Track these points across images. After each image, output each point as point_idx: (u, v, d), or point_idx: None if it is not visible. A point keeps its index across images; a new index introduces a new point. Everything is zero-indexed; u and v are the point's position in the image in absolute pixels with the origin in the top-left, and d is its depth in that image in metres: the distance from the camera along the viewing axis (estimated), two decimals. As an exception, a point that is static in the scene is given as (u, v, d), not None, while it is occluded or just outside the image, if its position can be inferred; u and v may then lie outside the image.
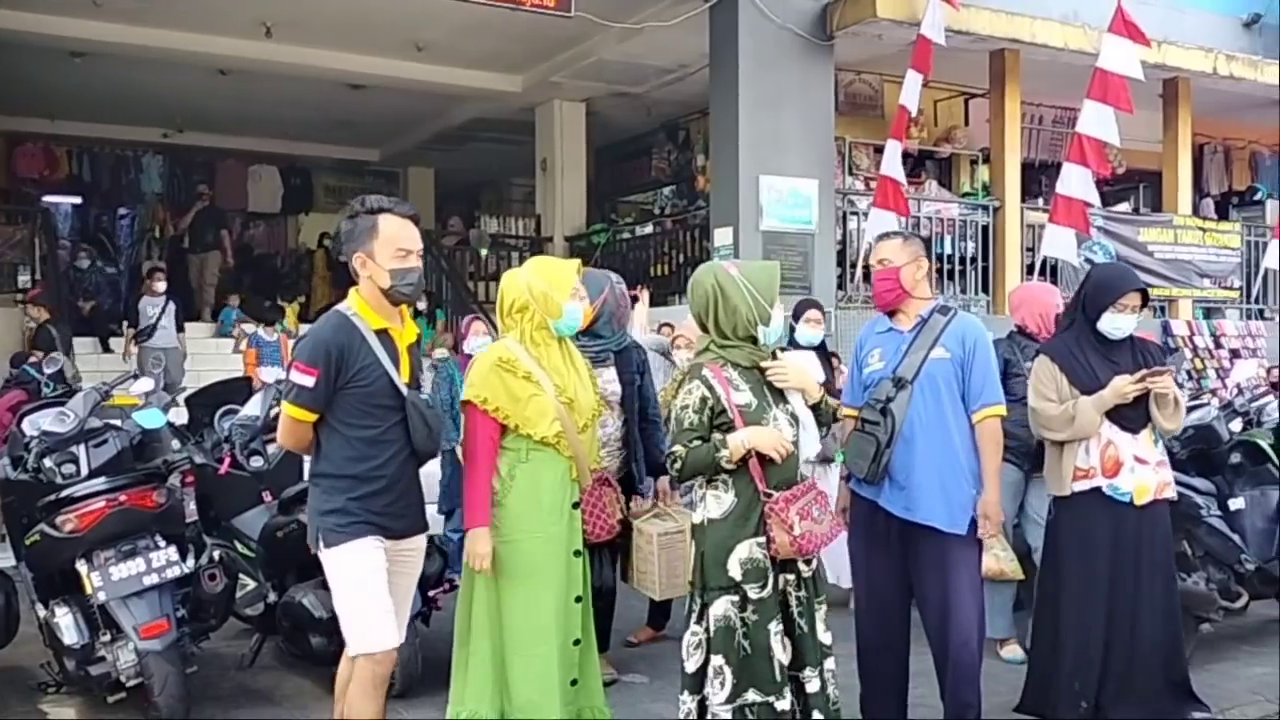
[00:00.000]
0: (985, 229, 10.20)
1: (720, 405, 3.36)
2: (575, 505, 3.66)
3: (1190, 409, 5.93)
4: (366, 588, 3.27)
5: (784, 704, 3.34)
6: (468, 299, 12.16)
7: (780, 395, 3.46)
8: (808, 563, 3.45)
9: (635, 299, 9.33)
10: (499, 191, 17.81)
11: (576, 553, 3.64)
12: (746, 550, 3.35)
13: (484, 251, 12.95)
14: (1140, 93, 9.18)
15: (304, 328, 13.28)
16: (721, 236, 8.97)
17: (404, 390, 3.31)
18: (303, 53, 11.07)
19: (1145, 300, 4.29)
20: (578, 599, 3.64)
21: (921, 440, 3.77)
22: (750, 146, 8.76)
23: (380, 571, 3.29)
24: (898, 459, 3.78)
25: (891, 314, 3.98)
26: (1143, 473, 4.12)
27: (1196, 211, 11.97)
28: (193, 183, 15.17)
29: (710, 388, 3.38)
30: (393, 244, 3.29)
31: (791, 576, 3.42)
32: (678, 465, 3.39)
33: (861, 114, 11.10)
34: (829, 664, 3.47)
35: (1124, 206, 11.85)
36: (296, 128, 14.89)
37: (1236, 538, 5.14)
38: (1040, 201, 10.88)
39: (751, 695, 3.33)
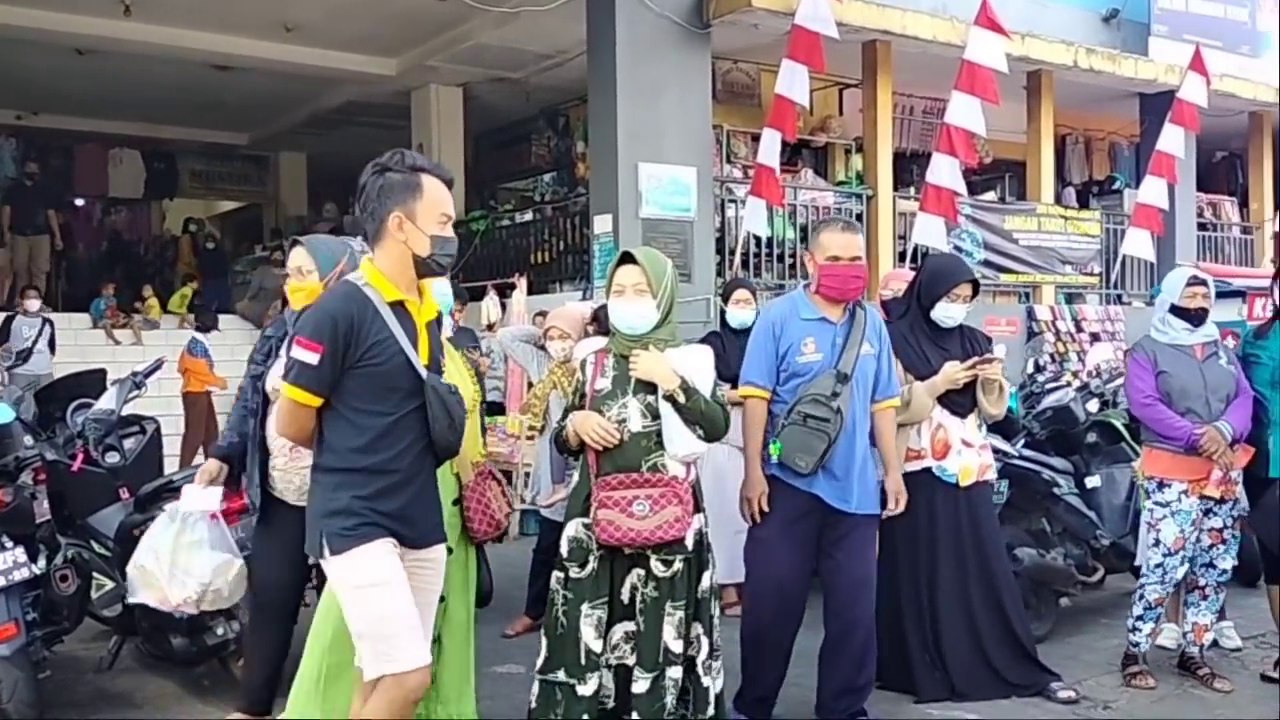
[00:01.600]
0: (859, 217, 10.38)
1: (584, 389, 3.56)
2: (455, 502, 3.53)
3: (1050, 391, 6.17)
4: (387, 596, 2.80)
5: (586, 689, 3.35)
6: (343, 287, 11.85)
7: (647, 387, 3.44)
8: (667, 563, 3.38)
9: (513, 287, 9.30)
10: (376, 177, 17.43)
11: (449, 550, 3.31)
12: (574, 528, 3.48)
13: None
14: (1006, 85, 9.45)
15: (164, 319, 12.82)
16: (601, 224, 8.94)
17: (423, 372, 2.89)
18: (164, 32, 10.65)
19: (975, 290, 4.48)
20: (441, 598, 3.27)
21: (857, 434, 3.90)
22: (629, 134, 8.74)
23: (402, 575, 2.84)
24: (838, 453, 3.84)
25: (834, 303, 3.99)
26: (968, 455, 4.38)
27: (1059, 200, 12.43)
28: (51, 168, 14.46)
29: (585, 371, 3.59)
30: (437, 208, 2.88)
31: (641, 573, 3.39)
32: (560, 439, 3.61)
33: (739, 103, 11.20)
34: (672, 672, 3.38)
35: (991, 195, 12.19)
36: (159, 110, 14.33)
37: (1093, 514, 5.36)
38: (912, 190, 11.12)
39: (561, 675, 3.41)
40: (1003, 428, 5.87)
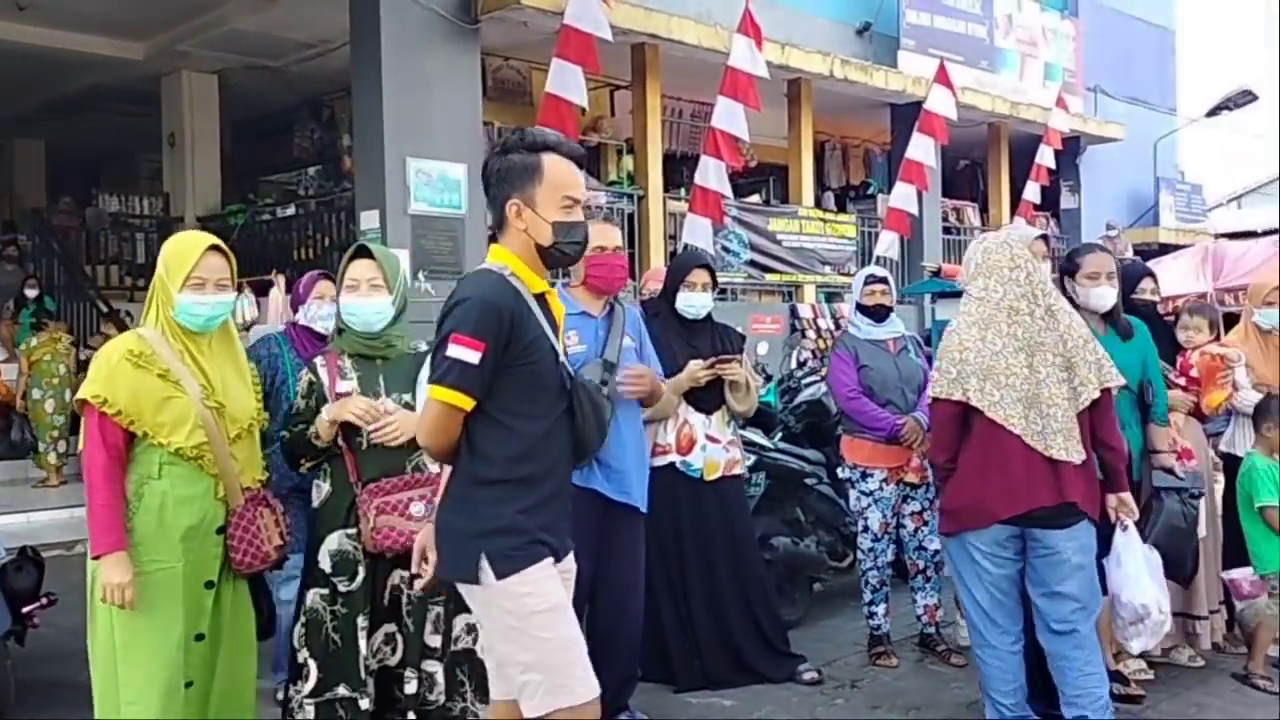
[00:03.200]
0: (631, 217, 10.53)
1: (323, 393, 3.34)
2: (220, 530, 3.12)
3: (806, 385, 6.43)
4: (562, 622, 2.58)
5: (367, 701, 3.28)
6: (84, 285, 11.07)
7: (405, 385, 3.36)
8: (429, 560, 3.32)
9: (270, 284, 8.89)
10: (126, 168, 16.36)
11: (209, 584, 3.09)
12: (336, 541, 3.30)
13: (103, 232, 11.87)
14: (768, 91, 9.80)
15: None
16: (368, 219, 8.70)
17: (571, 371, 2.69)
18: None
19: (713, 277, 4.61)
20: (199, 637, 3.07)
21: (624, 424, 3.86)
22: (396, 128, 8.54)
23: (568, 601, 2.64)
24: (612, 444, 3.80)
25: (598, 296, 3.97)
26: (713, 451, 4.50)
27: (819, 204, 12.99)
28: None
29: (317, 374, 3.39)
30: (559, 190, 2.62)
31: (406, 574, 3.28)
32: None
33: (511, 100, 11.15)
34: (428, 665, 3.34)
35: (756, 198, 12.63)
36: None
37: (843, 503, 5.60)
38: (683, 191, 11.38)
39: (341, 690, 3.26)
40: (762, 422, 6.07)
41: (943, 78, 11.52)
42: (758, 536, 5.25)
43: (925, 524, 4.86)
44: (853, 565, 5.72)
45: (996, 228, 14.80)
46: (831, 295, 12.51)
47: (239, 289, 8.59)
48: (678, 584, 4.51)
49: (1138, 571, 3.78)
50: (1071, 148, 15.06)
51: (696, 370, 4.40)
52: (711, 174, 9.44)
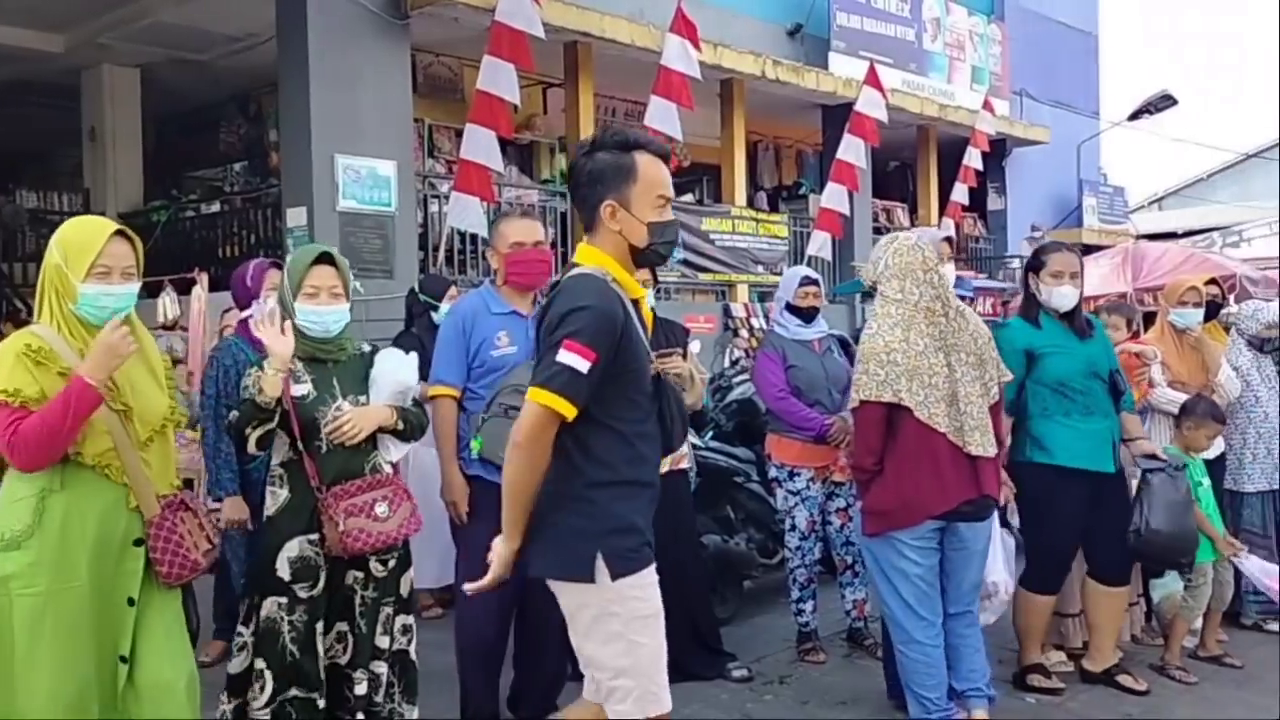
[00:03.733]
0: (564, 215, 10.50)
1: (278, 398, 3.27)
2: (138, 542, 2.88)
3: (738, 384, 6.46)
4: (658, 632, 2.61)
5: (323, 700, 3.25)
6: (1, 283, 10.76)
7: (357, 387, 3.36)
8: (383, 561, 3.32)
9: (193, 282, 8.72)
10: (45, 163, 15.90)
11: (131, 601, 2.86)
12: (297, 548, 3.25)
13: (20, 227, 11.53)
14: (701, 91, 9.82)
15: None
16: (295, 217, 8.54)
17: (659, 374, 2.69)
18: None
19: (655, 277, 4.68)
20: (122, 659, 2.86)
21: None
22: (324, 124, 8.39)
23: (662, 609, 2.67)
24: None
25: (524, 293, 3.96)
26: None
27: (752, 204, 13.06)
28: None
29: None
30: (653, 189, 2.60)
31: (360, 574, 3.31)
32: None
33: (442, 97, 11.05)
34: (376, 666, 3.34)
35: (689, 198, 12.66)
36: None
37: (773, 501, 5.64)
38: (616, 190, 11.35)
39: (294, 691, 3.22)
40: (693, 420, 6.09)
41: (873, 80, 11.65)
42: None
43: (851, 520, 4.91)
44: (783, 563, 5.75)
45: (928, 227, 15.04)
46: (764, 294, 12.57)
47: (161, 287, 8.46)
48: None
49: (994, 552, 3.96)
50: (998, 150, 15.34)
51: None
52: (645, 173, 9.43)
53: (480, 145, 8.54)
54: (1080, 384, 4.27)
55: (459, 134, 9.67)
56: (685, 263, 11.29)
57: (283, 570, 3.23)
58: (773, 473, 5.08)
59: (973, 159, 13.79)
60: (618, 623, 2.56)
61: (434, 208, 9.66)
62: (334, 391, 3.32)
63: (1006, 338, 4.30)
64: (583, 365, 2.47)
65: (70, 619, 2.76)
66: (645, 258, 2.66)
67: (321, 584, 3.26)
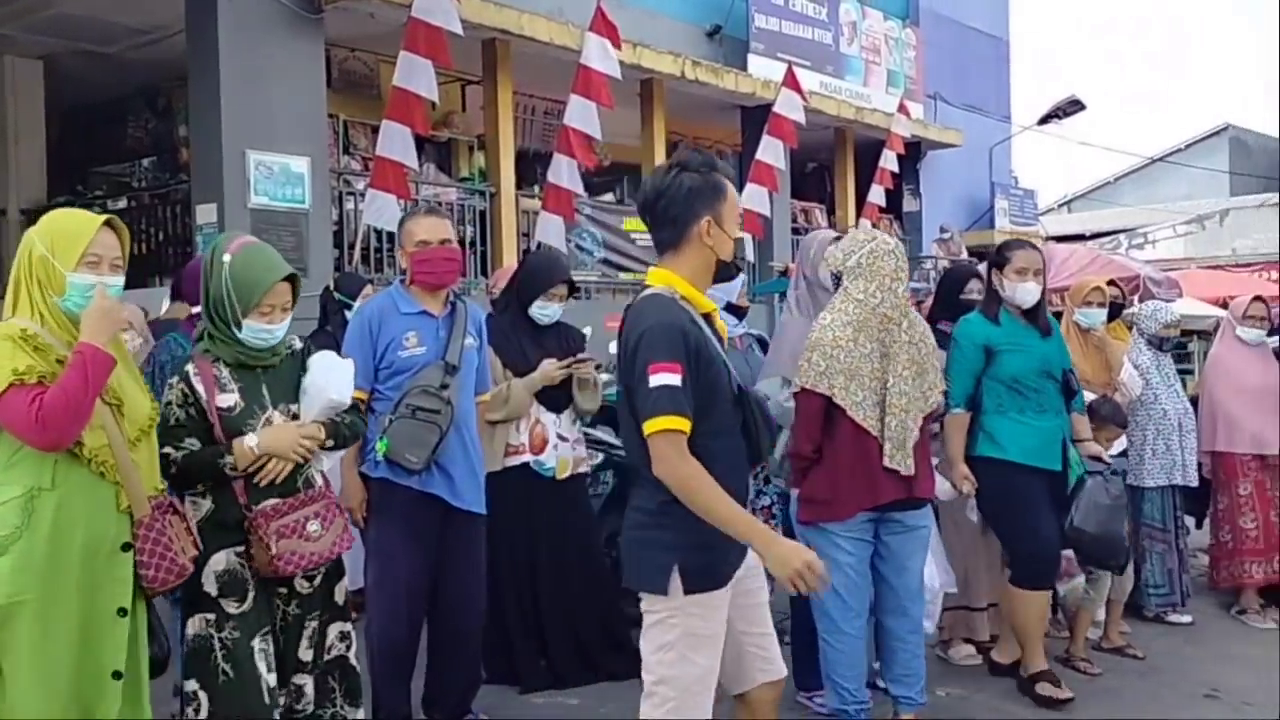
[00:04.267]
0: (483, 214, 10.42)
1: (202, 406, 3.01)
2: (126, 546, 2.72)
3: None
4: (712, 655, 2.65)
5: None
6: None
7: (287, 396, 3.13)
8: (309, 578, 3.12)
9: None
10: (-57, 156, 15.33)
11: (122, 611, 2.71)
12: (224, 561, 3.01)
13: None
14: (621, 91, 9.82)
15: None
16: (205, 214, 8.36)
17: (742, 384, 2.72)
18: None
19: (572, 289, 4.70)
20: (116, 674, 2.69)
21: (465, 427, 3.84)
22: (235, 119, 8.23)
23: (724, 632, 2.70)
24: (450, 447, 3.76)
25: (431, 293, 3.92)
26: (564, 449, 4.54)
27: (672, 203, 13.08)
28: None
29: (190, 385, 3.02)
30: (735, 209, 2.73)
31: (284, 590, 3.12)
32: (171, 471, 2.95)
33: (358, 93, 10.90)
34: (297, 679, 3.18)
35: (609, 197, 12.67)
36: None
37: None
38: (536, 189, 11.31)
39: (237, 713, 2.99)
40: (611, 419, 6.09)
41: (791, 82, 11.77)
42: (606, 535, 5.27)
43: (774, 518, 4.95)
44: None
45: (844, 230, 15.23)
46: (684, 294, 12.62)
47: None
48: (527, 585, 4.49)
49: (930, 558, 4.03)
50: (913, 153, 15.60)
51: (553, 370, 4.42)
52: (564, 172, 9.41)
53: (396, 142, 8.43)
54: (1034, 382, 4.34)
55: (375, 130, 9.52)
56: (606, 262, 11.30)
57: (209, 585, 3.00)
58: None
59: (888, 161, 13.99)
60: (674, 634, 2.63)
61: (349, 205, 9.52)
62: (263, 401, 3.08)
63: (966, 333, 4.39)
64: (675, 379, 2.53)
65: (57, 630, 2.61)
66: (727, 271, 2.79)
67: (251, 598, 3.04)
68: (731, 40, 13.04)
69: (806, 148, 13.51)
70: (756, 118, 12.48)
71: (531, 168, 11.99)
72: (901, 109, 14.43)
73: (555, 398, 4.50)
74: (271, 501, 3.02)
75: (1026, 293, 4.37)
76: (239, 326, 3.02)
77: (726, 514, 2.55)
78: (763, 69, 12.83)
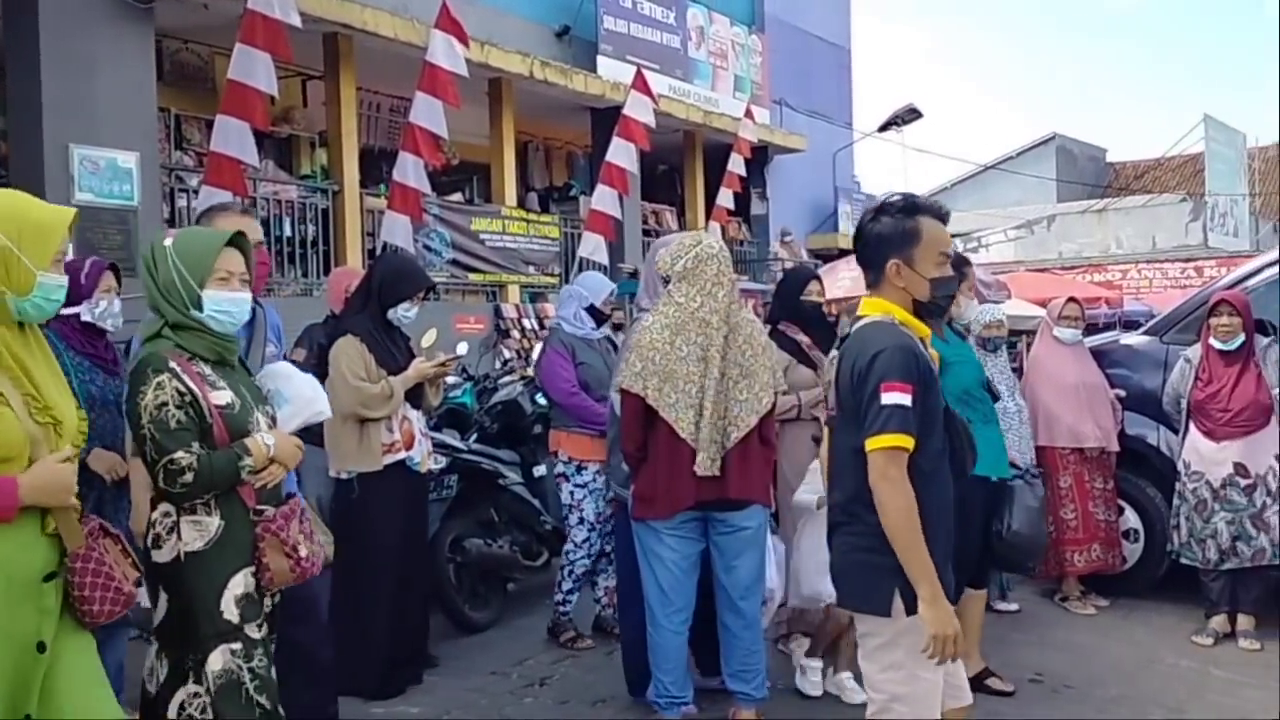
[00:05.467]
0: (325, 212, 10.16)
1: (200, 406, 2.69)
2: (50, 577, 2.37)
3: (503, 385, 6.44)
4: (939, 669, 2.66)
5: None
6: None
7: (260, 397, 2.91)
8: (271, 595, 2.85)
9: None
10: None
11: (41, 647, 2.34)
12: (242, 583, 2.72)
13: None
14: (469, 90, 9.71)
15: None
16: (23, 210, 7.90)
17: (949, 406, 2.81)
18: None
19: (429, 291, 4.78)
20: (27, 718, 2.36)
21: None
22: (56, 112, 7.82)
23: None
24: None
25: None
26: (424, 444, 4.52)
27: (522, 204, 13.05)
28: None
29: (182, 380, 2.68)
30: (935, 249, 2.77)
31: (268, 609, 2.87)
32: (187, 479, 2.61)
33: (191, 86, 10.48)
34: None
35: (458, 196, 12.51)
36: None
37: (537, 502, 5.65)
38: (382, 188, 11.10)
39: None
40: (456, 423, 6.03)
41: (641, 84, 11.83)
42: (451, 538, 5.24)
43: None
44: (547, 564, 5.78)
45: (694, 230, 15.44)
46: (536, 295, 12.59)
47: None
48: (397, 586, 4.40)
49: (766, 561, 4.09)
50: (760, 157, 15.91)
51: (426, 368, 4.47)
52: (410, 171, 9.23)
53: (232, 137, 8.09)
54: (978, 392, 4.49)
55: (210, 125, 9.19)
56: (454, 263, 11.16)
57: (230, 612, 2.69)
58: (559, 468, 5.14)
59: (736, 165, 14.21)
60: (901, 653, 2.66)
61: (182, 202, 9.15)
62: (247, 400, 2.81)
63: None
64: (906, 399, 2.61)
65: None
66: (926, 309, 2.82)
67: (261, 620, 2.78)
68: (581, 41, 13.06)
69: (657, 150, 13.61)
70: (606, 119, 12.50)
71: (376, 166, 11.75)
72: (748, 114, 14.69)
73: (415, 395, 4.53)
74: (274, 509, 2.79)
75: (971, 309, 4.56)
76: (199, 306, 2.72)
77: (913, 550, 2.61)
78: (612, 71, 12.89)
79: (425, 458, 4.59)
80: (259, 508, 2.75)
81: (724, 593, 3.92)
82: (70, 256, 2.55)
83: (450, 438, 5.59)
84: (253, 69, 8.06)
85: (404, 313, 4.52)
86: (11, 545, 2.29)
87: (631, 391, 3.78)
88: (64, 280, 2.44)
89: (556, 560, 5.36)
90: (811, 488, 4.13)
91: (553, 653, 4.94)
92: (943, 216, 2.85)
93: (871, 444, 2.61)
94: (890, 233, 2.78)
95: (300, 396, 3.03)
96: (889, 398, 2.61)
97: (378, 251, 9.89)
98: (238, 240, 2.81)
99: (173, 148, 9.74)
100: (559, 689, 4.52)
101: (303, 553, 2.75)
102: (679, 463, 3.74)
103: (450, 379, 6.46)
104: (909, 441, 2.61)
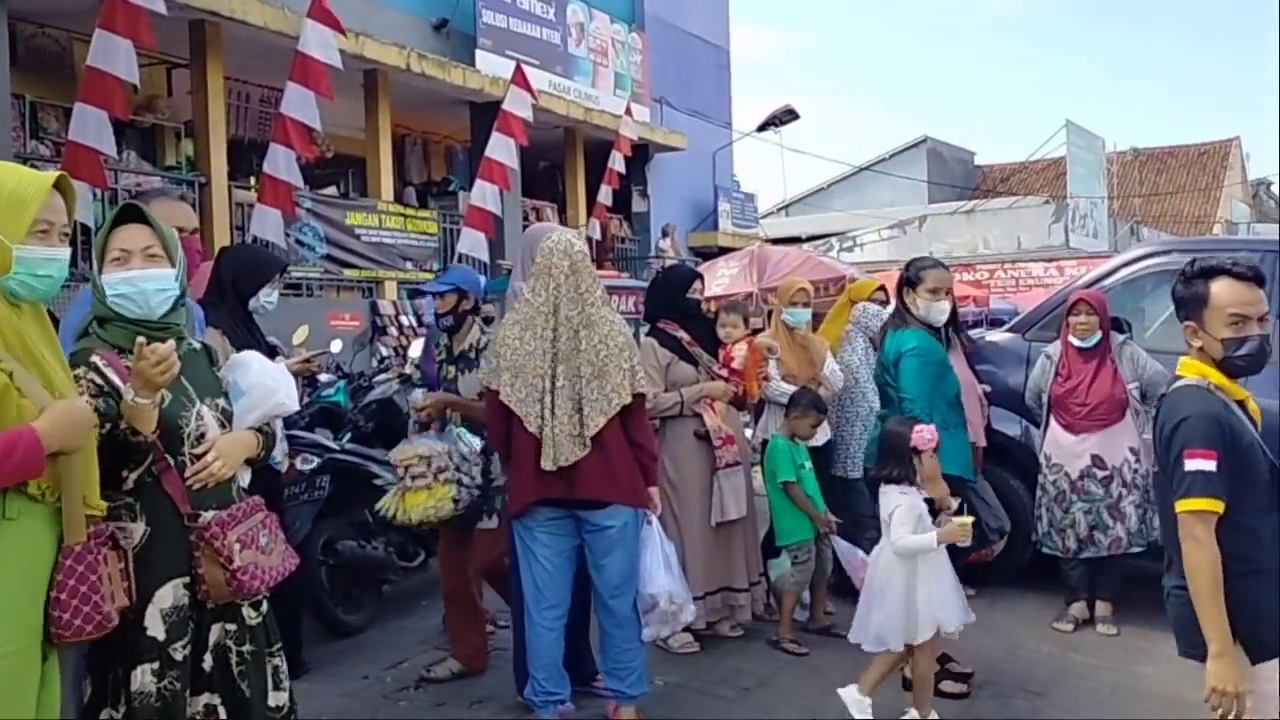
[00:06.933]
0: (192, 205, 9.80)
1: (120, 398, 2.45)
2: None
3: (379, 384, 6.32)
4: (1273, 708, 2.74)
5: None
6: None
7: (213, 388, 2.67)
8: (255, 606, 2.64)
9: None
10: None
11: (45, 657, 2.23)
12: (171, 596, 2.48)
13: None
14: (344, 82, 9.50)
15: None
16: None
17: (1274, 465, 2.82)
18: None
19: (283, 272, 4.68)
20: None
21: None
22: (-103, 95, 7.38)
23: None
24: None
25: None
26: (284, 444, 4.47)
27: (400, 199, 12.84)
28: None
29: (103, 374, 2.46)
30: (1225, 309, 2.83)
31: (233, 626, 2.61)
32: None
33: (48, 72, 10.00)
34: None
35: (332, 190, 12.24)
36: None
37: (412, 502, 5.54)
38: (252, 180, 10.78)
39: None
40: (331, 421, 5.89)
41: (520, 80, 11.77)
42: (323, 540, 5.11)
43: None
44: (424, 564, 5.68)
45: (577, 229, 15.43)
46: (414, 292, 12.39)
47: None
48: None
49: (654, 565, 4.07)
50: (641, 155, 15.99)
51: (294, 364, 4.45)
52: (282, 163, 9.01)
53: (91, 126, 7.79)
54: (953, 396, 4.54)
55: (68, 113, 8.80)
56: (329, 258, 10.92)
57: (155, 628, 2.45)
58: None
59: (616, 162, 14.28)
60: (1264, 700, 2.75)
61: (38, 193, 8.70)
62: (188, 393, 2.57)
63: (927, 349, 4.47)
64: (1209, 465, 2.71)
65: (23, 687, 2.15)
66: (1227, 368, 2.86)
67: (188, 639, 2.51)
68: (460, 35, 12.91)
69: (538, 146, 13.57)
70: (486, 114, 12.41)
71: (246, 158, 11.41)
72: (628, 111, 14.75)
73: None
74: (213, 513, 2.52)
75: (940, 312, 4.59)
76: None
77: (1207, 605, 2.71)
78: (491, 65, 12.78)
79: (284, 456, 4.45)
80: (194, 512, 2.51)
81: (595, 591, 3.96)
82: (64, 223, 2.32)
83: (323, 437, 5.45)
84: (113, 56, 7.76)
85: (265, 299, 4.36)
86: (41, 549, 2.18)
87: (491, 388, 3.82)
88: (55, 253, 2.26)
89: (433, 560, 5.28)
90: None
91: (429, 655, 4.85)
92: (1244, 276, 2.86)
93: (1179, 506, 2.76)
94: (1182, 298, 2.94)
95: (259, 387, 2.78)
96: (1191, 464, 2.74)
97: (251, 249, 9.61)
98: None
99: (28, 136, 9.27)
100: (435, 691, 4.45)
101: (236, 563, 2.48)
102: (528, 458, 3.75)
103: (323, 377, 6.31)
104: (1214, 504, 2.72)
